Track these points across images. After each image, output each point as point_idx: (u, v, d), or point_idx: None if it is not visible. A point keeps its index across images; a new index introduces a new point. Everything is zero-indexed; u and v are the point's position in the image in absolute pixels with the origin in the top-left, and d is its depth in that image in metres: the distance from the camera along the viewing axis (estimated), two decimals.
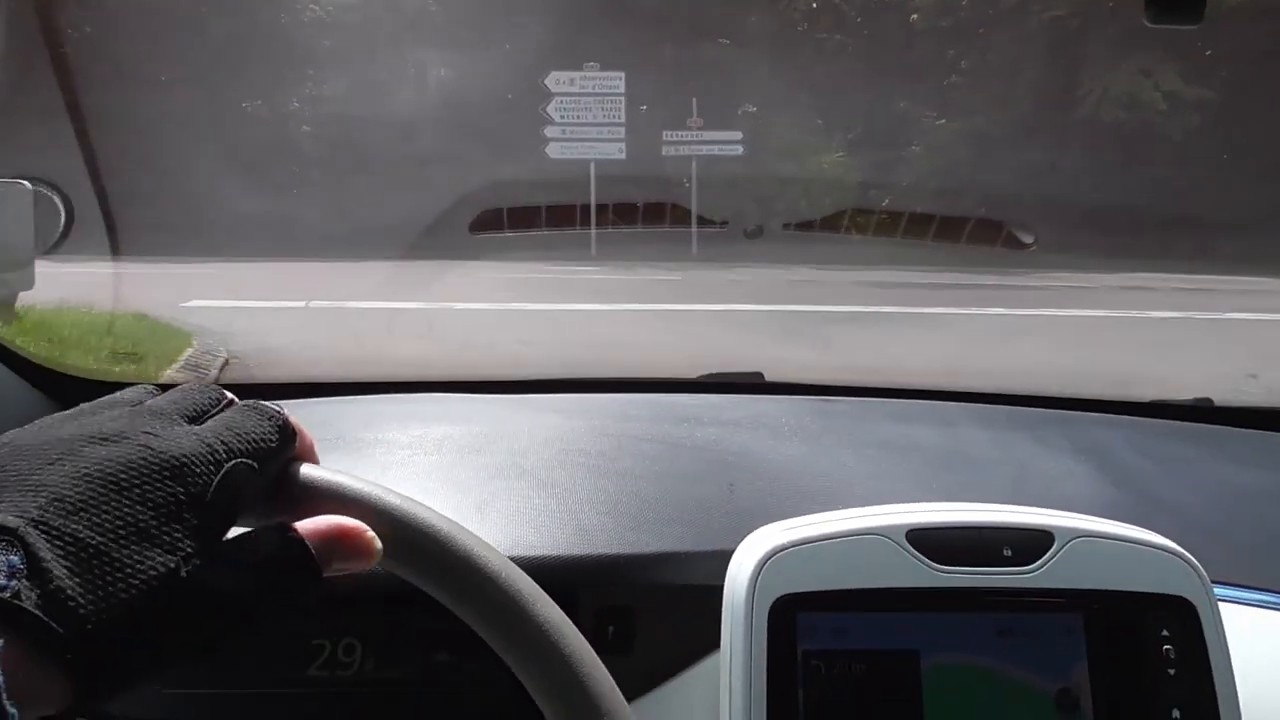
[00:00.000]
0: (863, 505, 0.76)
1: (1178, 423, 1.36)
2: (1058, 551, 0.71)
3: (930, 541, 0.70)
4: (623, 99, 11.72)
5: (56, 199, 1.44)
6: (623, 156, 11.13)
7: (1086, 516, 0.75)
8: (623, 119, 11.59)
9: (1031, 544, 0.71)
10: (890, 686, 0.69)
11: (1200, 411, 1.39)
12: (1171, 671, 0.70)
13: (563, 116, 11.68)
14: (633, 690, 0.77)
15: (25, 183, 1.50)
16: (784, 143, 12.06)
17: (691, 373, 1.50)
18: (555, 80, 11.80)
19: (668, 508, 0.89)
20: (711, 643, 0.75)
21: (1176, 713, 0.69)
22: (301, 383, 1.36)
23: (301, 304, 6.17)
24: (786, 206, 10.47)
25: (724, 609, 0.70)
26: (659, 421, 1.16)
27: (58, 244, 1.46)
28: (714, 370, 1.51)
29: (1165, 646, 0.70)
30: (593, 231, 8.07)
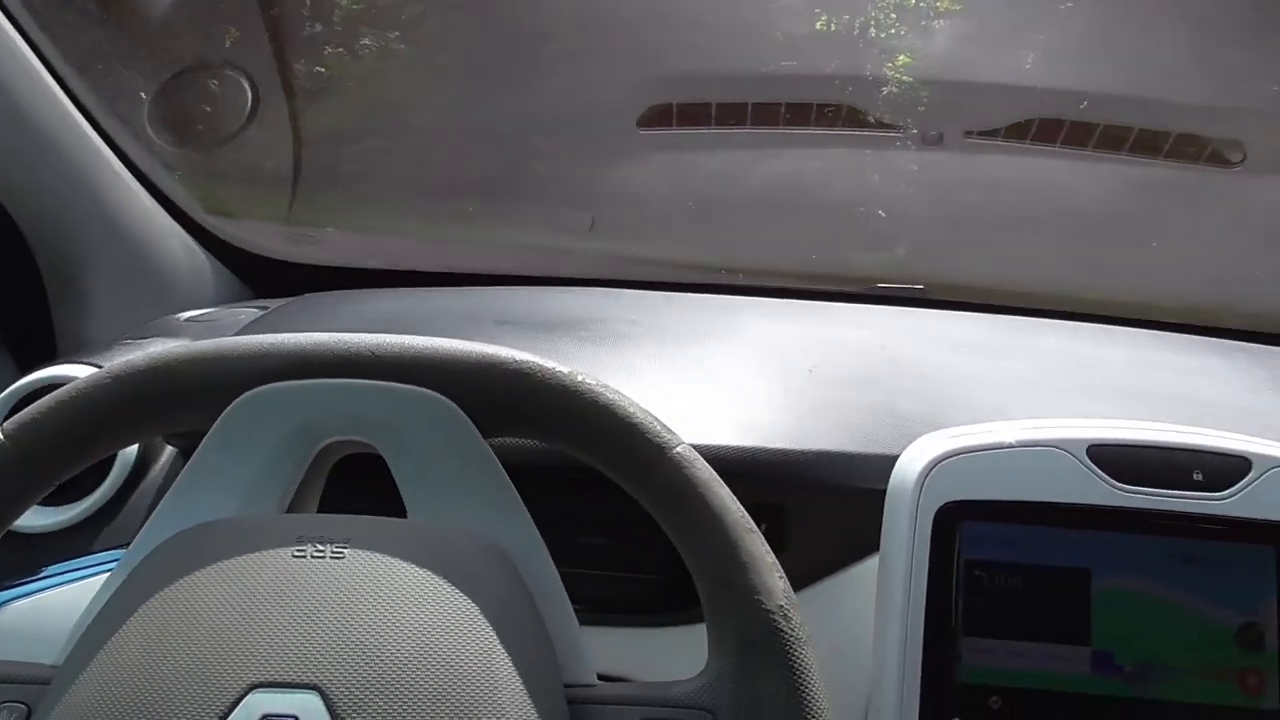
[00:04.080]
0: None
1: None
2: (1255, 480, 0.66)
3: (1114, 459, 0.67)
4: None
5: (243, 80, 1.49)
6: None
7: None
8: None
9: (1226, 469, 0.67)
10: (1057, 604, 0.66)
11: None
12: None
13: None
14: None
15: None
16: None
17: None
18: None
19: (832, 409, 0.87)
20: (869, 546, 0.74)
21: None
22: (461, 273, 1.39)
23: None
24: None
25: (886, 512, 0.69)
26: (820, 324, 1.14)
27: (244, 127, 1.51)
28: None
29: None
30: None
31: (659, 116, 1.71)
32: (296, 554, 0.49)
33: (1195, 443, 0.68)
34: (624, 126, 1.76)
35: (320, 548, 0.50)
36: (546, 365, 0.55)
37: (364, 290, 1.25)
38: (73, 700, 0.46)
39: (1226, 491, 0.66)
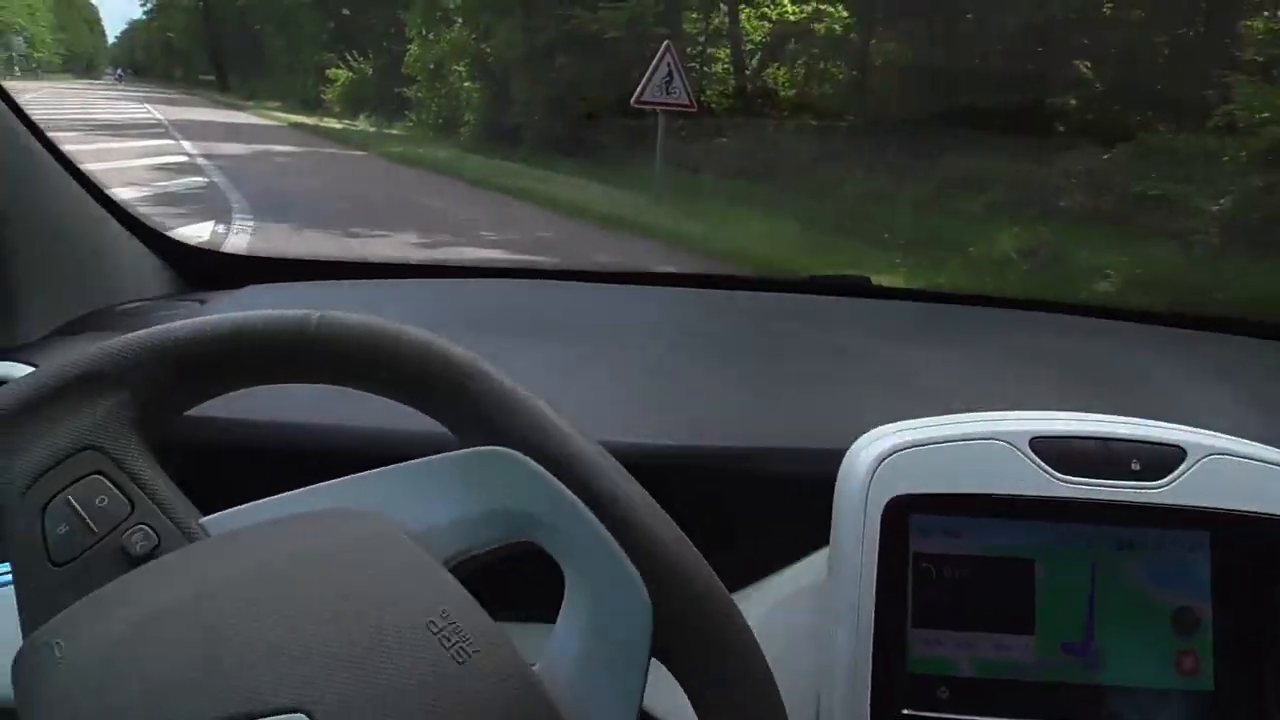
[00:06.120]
0: (981, 411, 0.73)
1: None
2: (1189, 468, 0.68)
3: (1054, 450, 0.68)
4: None
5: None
6: None
7: (1220, 434, 0.72)
8: None
9: (1162, 459, 0.69)
10: (1002, 594, 0.68)
11: None
12: None
13: None
14: (734, 583, 0.77)
15: None
16: None
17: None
18: None
19: (778, 403, 0.88)
20: (816, 540, 0.74)
21: None
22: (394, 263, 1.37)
23: None
24: None
25: (835, 507, 0.69)
26: (765, 317, 1.14)
27: None
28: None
29: None
30: None
31: None
32: (430, 626, 0.45)
33: (1132, 433, 0.70)
34: None
35: (450, 638, 0.45)
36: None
37: (308, 283, 1.23)
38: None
39: (1163, 480, 0.68)
